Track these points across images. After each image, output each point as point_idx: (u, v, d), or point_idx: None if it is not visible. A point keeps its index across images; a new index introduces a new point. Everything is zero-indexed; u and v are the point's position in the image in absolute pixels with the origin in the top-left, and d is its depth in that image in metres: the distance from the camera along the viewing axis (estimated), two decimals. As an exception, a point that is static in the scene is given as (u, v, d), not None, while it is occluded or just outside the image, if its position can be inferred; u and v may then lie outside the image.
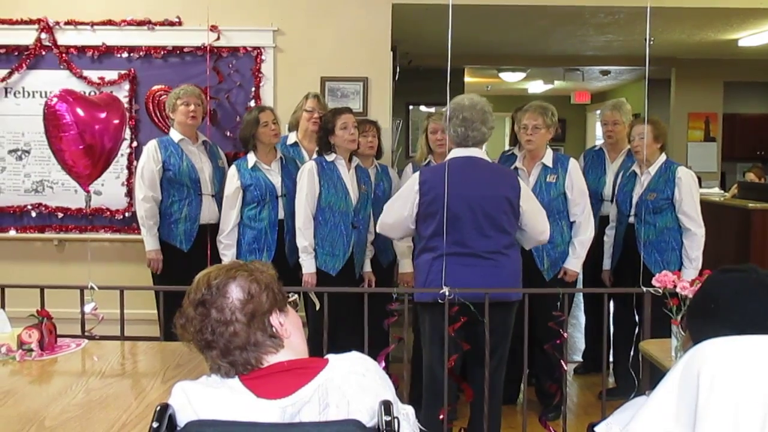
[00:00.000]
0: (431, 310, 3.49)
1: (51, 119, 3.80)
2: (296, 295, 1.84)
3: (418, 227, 3.55)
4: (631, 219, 4.37)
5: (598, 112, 12.85)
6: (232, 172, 4.32)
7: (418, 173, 3.63)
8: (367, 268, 4.41)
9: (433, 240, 3.46)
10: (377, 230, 3.77)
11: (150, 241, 4.46)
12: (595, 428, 1.89)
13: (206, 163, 4.58)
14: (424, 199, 3.46)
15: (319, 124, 4.29)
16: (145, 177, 4.43)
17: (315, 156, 4.28)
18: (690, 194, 4.26)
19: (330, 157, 4.16)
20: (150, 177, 4.42)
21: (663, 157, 4.37)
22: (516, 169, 4.27)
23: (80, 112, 3.81)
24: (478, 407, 3.59)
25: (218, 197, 4.55)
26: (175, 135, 4.53)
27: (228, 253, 4.29)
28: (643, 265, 4.08)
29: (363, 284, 4.35)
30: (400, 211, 3.55)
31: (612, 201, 4.76)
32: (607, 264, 4.63)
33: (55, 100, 3.82)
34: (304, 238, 4.10)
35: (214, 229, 4.45)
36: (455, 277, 3.39)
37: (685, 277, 3.42)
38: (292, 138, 4.67)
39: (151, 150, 4.46)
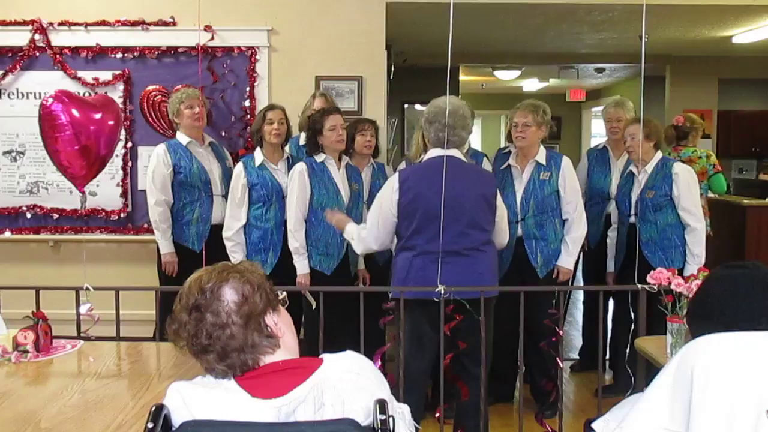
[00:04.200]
0: (411, 308, 3.49)
1: (46, 120, 3.80)
2: (285, 293, 1.83)
3: (398, 226, 3.54)
4: (632, 219, 4.37)
5: (594, 109, 12.97)
6: (239, 170, 4.32)
7: (397, 174, 3.60)
8: (361, 265, 4.41)
9: (413, 239, 3.47)
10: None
11: (165, 244, 4.47)
12: (592, 425, 1.90)
13: (215, 164, 4.60)
14: (404, 198, 3.46)
15: (308, 124, 4.28)
16: (156, 181, 4.43)
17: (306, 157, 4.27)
18: (688, 188, 4.25)
19: (320, 158, 4.16)
20: (162, 181, 4.42)
21: (659, 155, 4.38)
22: (509, 166, 4.28)
23: (75, 113, 3.81)
24: (465, 405, 3.62)
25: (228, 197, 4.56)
26: (182, 138, 4.53)
27: (238, 251, 4.28)
28: (647, 263, 4.08)
29: (357, 282, 4.35)
30: (385, 214, 3.50)
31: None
32: (610, 266, 4.62)
33: (50, 100, 3.82)
34: (296, 239, 4.11)
35: None
36: (433, 274, 3.40)
37: (689, 273, 3.43)
38: (304, 139, 4.51)
39: (160, 154, 4.46)
